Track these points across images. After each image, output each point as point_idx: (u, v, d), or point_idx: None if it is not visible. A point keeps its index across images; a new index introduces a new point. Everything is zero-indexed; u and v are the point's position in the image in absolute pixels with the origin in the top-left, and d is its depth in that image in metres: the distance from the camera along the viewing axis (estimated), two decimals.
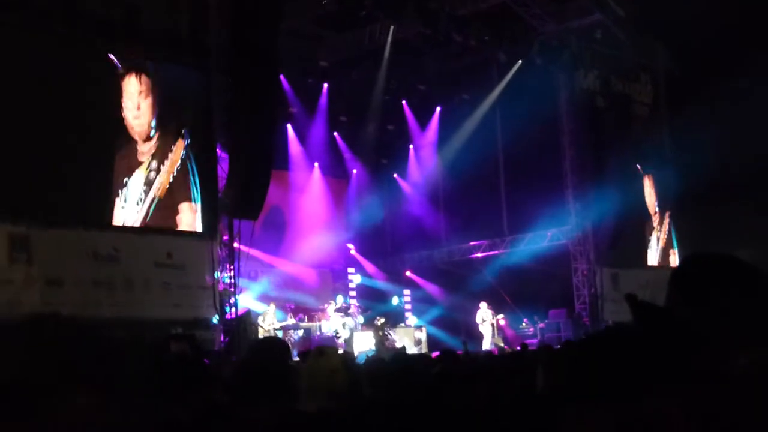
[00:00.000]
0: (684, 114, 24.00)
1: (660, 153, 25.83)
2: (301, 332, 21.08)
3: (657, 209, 25.72)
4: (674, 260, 25.46)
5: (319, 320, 22.15)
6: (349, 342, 20.79)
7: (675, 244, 25.88)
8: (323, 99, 26.24)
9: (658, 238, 25.60)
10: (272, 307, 21.07)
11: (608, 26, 23.80)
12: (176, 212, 15.81)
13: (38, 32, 13.88)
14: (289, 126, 26.06)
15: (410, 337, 23.15)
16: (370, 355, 17.50)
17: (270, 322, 20.43)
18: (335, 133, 27.79)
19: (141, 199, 15.30)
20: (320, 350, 4.51)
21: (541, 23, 23.76)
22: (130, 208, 15.13)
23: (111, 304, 13.93)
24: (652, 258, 25.41)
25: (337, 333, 21.17)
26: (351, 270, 27.61)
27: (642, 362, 2.19)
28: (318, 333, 21.54)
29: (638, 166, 24.75)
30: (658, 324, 2.27)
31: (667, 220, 25.95)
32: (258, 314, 20.35)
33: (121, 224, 14.90)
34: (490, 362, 10.23)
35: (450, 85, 27.63)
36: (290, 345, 20.26)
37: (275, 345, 4.65)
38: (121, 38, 14.79)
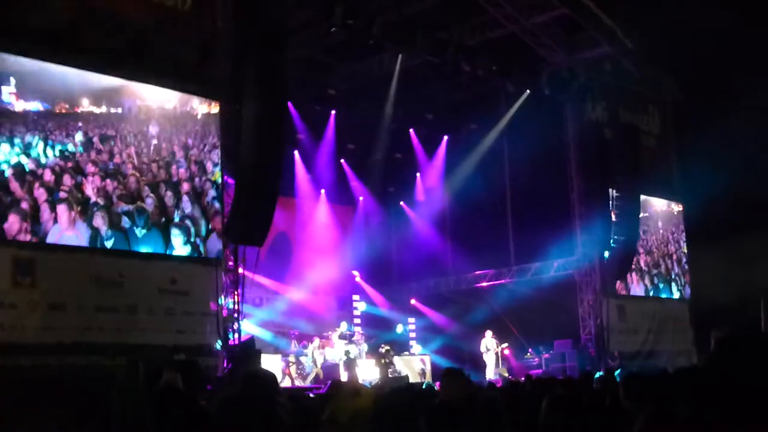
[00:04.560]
0: (692, 144, 23.96)
1: (668, 184, 25.78)
2: (309, 360, 21.01)
3: (665, 240, 25.61)
4: (680, 291, 25.36)
5: (323, 347, 22.08)
6: (351, 368, 20.57)
7: (683, 274, 25.77)
8: (331, 126, 26.26)
9: (665, 269, 25.46)
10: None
11: (617, 58, 23.84)
12: None
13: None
14: (296, 152, 26.09)
15: (414, 365, 23.05)
16: (373, 383, 17.41)
17: None
18: (342, 161, 27.83)
19: None
20: (356, 390, 4.44)
21: (550, 54, 23.79)
22: None
23: (114, 329, 13.84)
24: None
25: (347, 354, 20.99)
26: (356, 297, 27.58)
27: None
28: (323, 361, 21.45)
29: (647, 197, 24.66)
30: None
31: (674, 251, 25.84)
32: (263, 340, 20.25)
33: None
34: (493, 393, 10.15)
35: (458, 115, 27.70)
36: (302, 375, 20.29)
37: (263, 379, 4.54)
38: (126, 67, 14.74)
